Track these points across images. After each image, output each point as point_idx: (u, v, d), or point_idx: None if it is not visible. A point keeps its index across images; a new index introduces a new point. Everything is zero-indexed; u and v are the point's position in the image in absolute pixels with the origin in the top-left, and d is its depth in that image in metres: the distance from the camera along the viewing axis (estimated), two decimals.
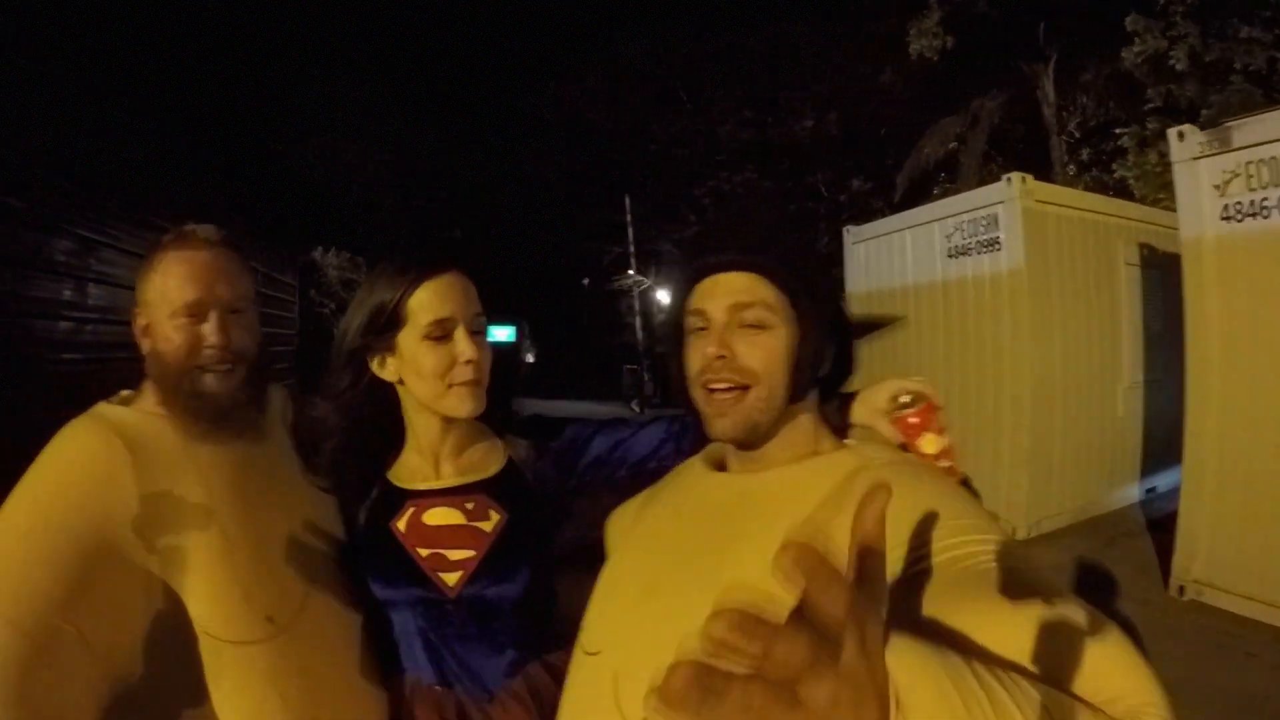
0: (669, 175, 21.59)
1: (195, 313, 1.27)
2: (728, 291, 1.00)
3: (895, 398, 1.15)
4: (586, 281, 27.15)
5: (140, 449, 1.22)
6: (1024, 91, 13.53)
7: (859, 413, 1.18)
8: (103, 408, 1.29)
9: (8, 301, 4.12)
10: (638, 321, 24.43)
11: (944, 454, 1.11)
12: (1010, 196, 5.94)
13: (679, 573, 0.99)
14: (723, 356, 0.99)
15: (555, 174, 23.23)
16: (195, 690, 1.13)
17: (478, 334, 1.32)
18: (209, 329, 1.28)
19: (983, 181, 9.92)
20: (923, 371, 1.22)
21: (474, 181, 22.66)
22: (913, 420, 1.12)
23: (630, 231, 23.28)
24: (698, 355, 1.03)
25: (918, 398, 1.13)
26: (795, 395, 1.01)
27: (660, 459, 1.43)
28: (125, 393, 1.36)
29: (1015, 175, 5.97)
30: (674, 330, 1.10)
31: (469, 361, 1.28)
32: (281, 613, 1.22)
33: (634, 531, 1.18)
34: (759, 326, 0.99)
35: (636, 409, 19.14)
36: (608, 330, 27.06)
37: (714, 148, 20.51)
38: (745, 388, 0.99)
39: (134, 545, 1.14)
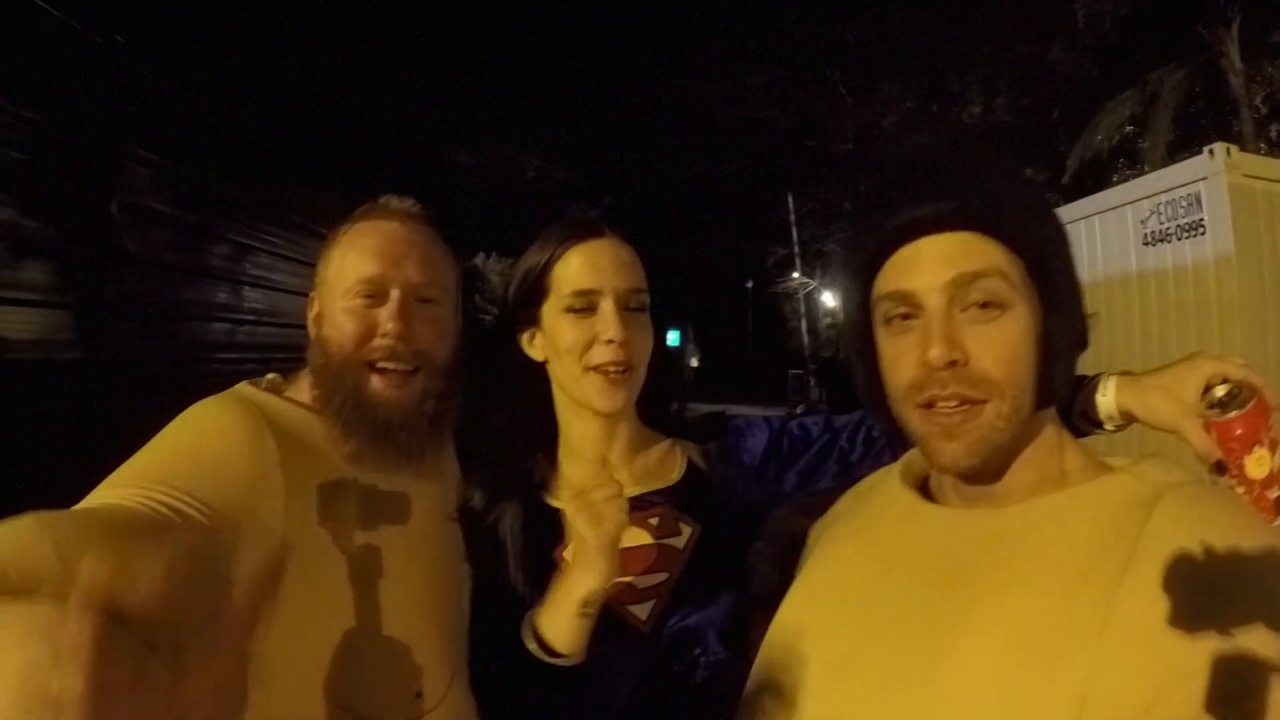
0: (832, 172, 20.95)
1: (373, 292, 1.02)
2: (942, 260, 0.72)
3: (1208, 388, 0.79)
4: (750, 284, 26.91)
5: (291, 445, 0.96)
6: (1205, 62, 12.14)
7: (1151, 405, 0.83)
8: (245, 389, 1.03)
9: (164, 305, 4.42)
10: (803, 325, 23.91)
11: (1274, 479, 0.75)
12: (1215, 171, 5.17)
13: (885, 645, 0.74)
14: (954, 362, 0.71)
15: (718, 174, 23.15)
16: None
17: (633, 311, 1.11)
18: (387, 313, 1.02)
19: (1168, 166, 8.88)
20: None
21: (636, 182, 22.98)
22: (1237, 429, 0.76)
23: (794, 231, 22.82)
24: (907, 361, 0.74)
25: (1242, 390, 0.77)
26: (1046, 399, 0.74)
27: (875, 464, 1.15)
28: (272, 376, 1.11)
29: (1219, 146, 5.21)
30: (856, 326, 0.82)
31: (610, 340, 1.07)
32: (431, 690, 0.99)
33: (816, 572, 0.92)
34: (993, 306, 0.71)
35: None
36: (772, 334, 26.68)
37: (878, 140, 19.65)
38: (981, 401, 0.72)
39: (267, 559, 0.91)
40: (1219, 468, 0.78)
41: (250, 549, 0.86)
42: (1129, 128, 13.10)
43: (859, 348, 0.82)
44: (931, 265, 0.72)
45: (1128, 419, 0.85)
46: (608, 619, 1.05)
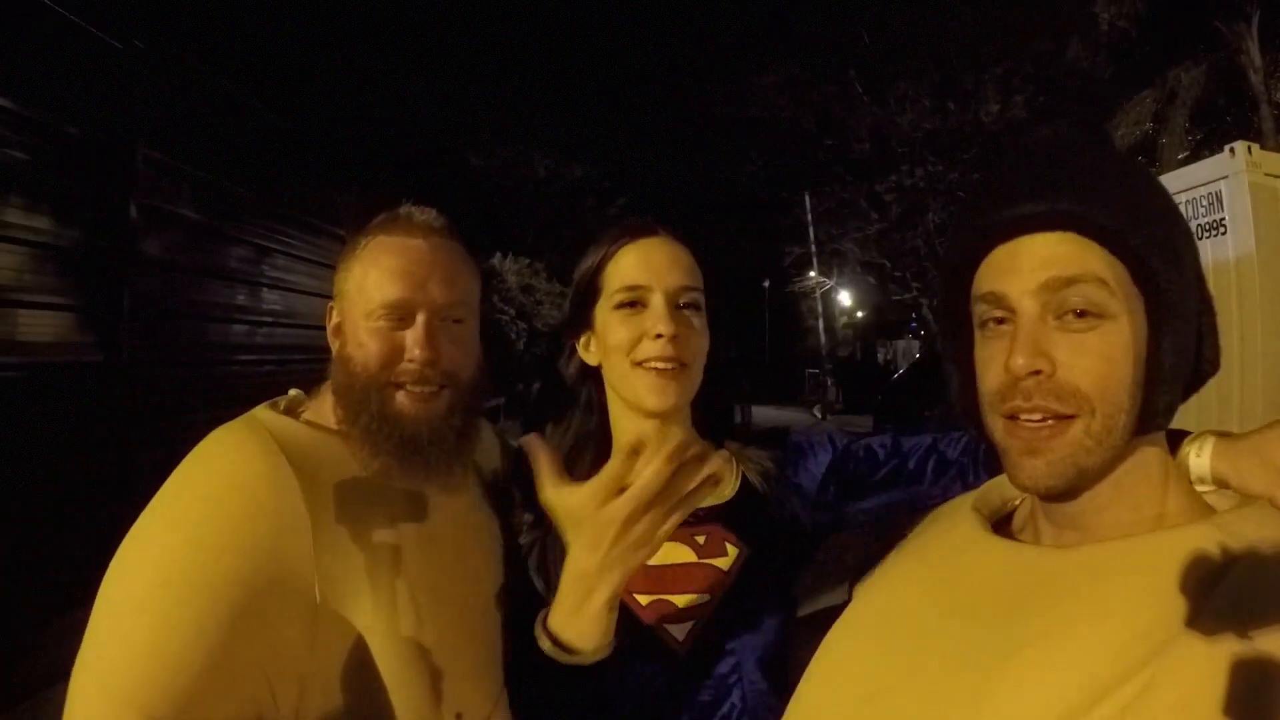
0: (849, 171, 20.81)
1: (399, 315, 1.01)
2: (1037, 263, 0.68)
3: None
4: (767, 283, 26.80)
5: (311, 474, 0.94)
6: (1223, 58, 11.97)
7: (1243, 471, 0.74)
8: (263, 414, 1.01)
9: (183, 306, 4.46)
10: (820, 324, 23.79)
11: None
12: (1236, 170, 5.05)
13: (925, 678, 0.70)
14: (1037, 371, 0.67)
15: (733, 173, 23.05)
16: None
17: (685, 309, 1.10)
18: (413, 338, 1.00)
19: (1188, 164, 8.70)
20: None
21: (651, 180, 22.92)
22: None
23: (811, 231, 22.70)
24: (995, 368, 0.70)
25: None
26: (1146, 424, 0.68)
27: (945, 495, 1.10)
28: (294, 392, 1.10)
29: (1240, 144, 5.09)
30: (950, 323, 0.78)
31: (659, 336, 1.05)
32: (473, 710, 0.98)
33: (868, 597, 0.89)
34: (1090, 315, 0.66)
35: (818, 415, 18.59)
36: (789, 333, 26.60)
37: (894, 139, 19.49)
38: (1068, 417, 0.67)
39: (304, 604, 0.88)
40: None
41: (288, 615, 0.87)
42: (1149, 125, 12.89)
43: (955, 352, 0.78)
44: (1027, 268, 0.68)
45: (1221, 485, 0.76)
46: (643, 636, 1.03)
